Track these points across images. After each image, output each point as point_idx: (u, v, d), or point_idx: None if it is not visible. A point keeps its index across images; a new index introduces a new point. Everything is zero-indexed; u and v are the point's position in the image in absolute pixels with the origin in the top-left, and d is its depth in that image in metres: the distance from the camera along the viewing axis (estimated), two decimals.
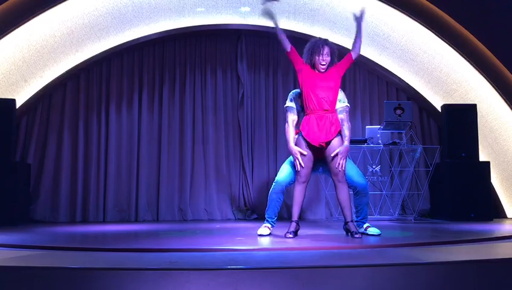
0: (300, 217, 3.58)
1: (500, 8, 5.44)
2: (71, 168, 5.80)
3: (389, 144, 5.67)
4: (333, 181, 3.45)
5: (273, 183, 3.66)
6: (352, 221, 3.40)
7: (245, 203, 6.02)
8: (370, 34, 5.93)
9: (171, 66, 6.14)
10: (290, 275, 1.98)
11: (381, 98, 6.30)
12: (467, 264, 2.17)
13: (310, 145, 3.40)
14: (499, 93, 5.84)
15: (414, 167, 5.75)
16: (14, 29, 5.19)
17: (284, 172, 3.63)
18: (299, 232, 3.51)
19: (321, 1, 5.69)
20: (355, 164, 5.53)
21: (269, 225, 3.63)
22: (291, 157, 3.68)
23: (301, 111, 3.59)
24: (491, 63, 5.77)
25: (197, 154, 6.02)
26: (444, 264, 2.17)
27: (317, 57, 3.43)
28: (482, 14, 5.57)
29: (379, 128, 5.71)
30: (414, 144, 5.70)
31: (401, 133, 5.77)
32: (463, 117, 5.62)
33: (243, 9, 5.87)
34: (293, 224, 3.44)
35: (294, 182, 3.53)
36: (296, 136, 3.52)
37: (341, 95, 3.63)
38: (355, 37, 3.63)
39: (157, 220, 5.83)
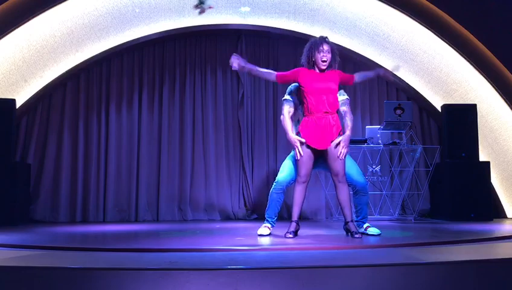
0: (301, 217, 3.57)
1: (500, 8, 5.44)
2: (71, 168, 5.80)
3: (389, 144, 5.67)
4: (333, 181, 3.45)
5: (274, 183, 3.66)
6: (352, 221, 3.40)
7: (245, 203, 6.02)
8: (370, 34, 5.93)
9: (171, 66, 6.14)
10: (290, 275, 1.98)
11: (381, 98, 6.30)
12: (467, 264, 2.17)
13: (310, 146, 3.40)
14: (499, 93, 5.84)
15: (414, 167, 5.75)
16: (14, 29, 5.20)
17: (285, 172, 3.63)
18: (299, 232, 3.51)
19: (321, 1, 5.69)
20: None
21: (269, 225, 3.63)
22: (290, 156, 3.68)
23: (299, 104, 3.58)
24: (491, 63, 5.77)
25: (197, 154, 6.02)
26: (444, 264, 2.17)
27: (317, 54, 3.41)
28: (482, 14, 5.57)
29: (379, 128, 5.70)
30: (414, 144, 5.70)
31: (401, 133, 5.77)
32: (463, 117, 5.62)
33: (243, 9, 5.87)
34: (293, 224, 3.44)
35: (294, 181, 3.53)
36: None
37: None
38: (364, 75, 3.59)
39: (157, 220, 5.83)
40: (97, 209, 5.75)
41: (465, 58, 5.79)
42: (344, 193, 3.38)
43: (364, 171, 5.82)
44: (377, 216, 5.72)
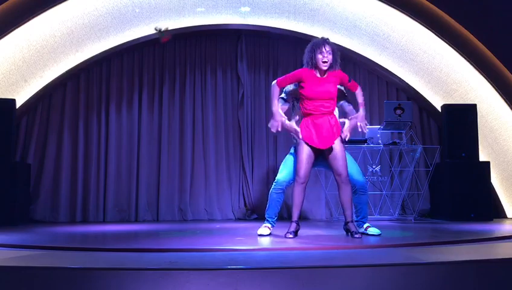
0: (301, 217, 3.57)
1: (500, 8, 5.44)
2: (71, 168, 5.80)
3: (389, 144, 5.67)
4: (336, 181, 3.43)
5: (273, 183, 3.66)
6: (352, 221, 3.40)
7: (245, 203, 6.02)
8: (370, 34, 5.93)
9: (171, 66, 6.14)
10: (290, 275, 1.98)
11: (381, 98, 6.30)
12: (467, 264, 2.17)
13: (310, 145, 3.40)
14: (499, 93, 5.84)
15: (414, 167, 5.75)
16: (14, 29, 5.20)
17: (284, 172, 3.63)
18: (299, 232, 3.51)
19: (321, 1, 5.69)
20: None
21: (269, 225, 3.64)
22: (289, 156, 3.69)
23: (297, 103, 3.60)
24: (491, 63, 5.77)
25: (197, 154, 6.02)
26: (444, 264, 2.17)
27: (319, 55, 3.40)
28: (482, 14, 5.57)
29: (379, 128, 5.70)
30: (414, 144, 5.70)
31: (401, 133, 5.77)
32: (463, 117, 5.62)
33: (243, 9, 5.87)
34: (293, 224, 3.44)
35: (294, 181, 3.53)
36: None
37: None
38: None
39: (157, 220, 5.83)
40: (97, 209, 5.75)
41: (465, 58, 5.79)
42: (347, 193, 3.37)
43: (364, 171, 5.83)
44: (377, 216, 5.72)
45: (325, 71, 3.43)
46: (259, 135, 6.14)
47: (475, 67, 5.81)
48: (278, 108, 3.51)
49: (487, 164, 5.59)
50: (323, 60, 3.39)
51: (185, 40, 6.17)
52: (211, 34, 6.19)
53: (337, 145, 3.37)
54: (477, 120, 5.65)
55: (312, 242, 3.21)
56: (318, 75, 3.43)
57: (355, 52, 6.13)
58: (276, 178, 3.66)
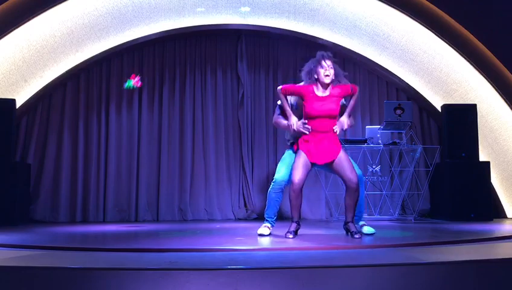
0: (301, 217, 3.57)
1: (500, 8, 5.44)
2: (71, 168, 5.80)
3: (389, 144, 5.67)
4: (346, 185, 3.37)
5: (272, 183, 3.66)
6: (352, 221, 3.40)
7: (245, 203, 6.02)
8: (370, 34, 5.93)
9: (171, 66, 6.14)
10: (290, 275, 1.98)
11: (381, 98, 6.30)
12: (467, 264, 2.17)
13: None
14: (499, 93, 5.84)
15: (414, 167, 5.75)
16: (14, 29, 5.20)
17: (282, 171, 3.63)
18: (299, 232, 3.51)
19: (321, 1, 5.69)
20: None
21: (269, 225, 3.64)
22: (286, 154, 3.68)
23: (294, 109, 3.59)
24: (491, 63, 5.77)
25: (197, 154, 6.02)
26: (444, 264, 2.17)
27: (320, 69, 3.36)
28: (482, 14, 5.57)
29: (379, 128, 5.70)
30: (414, 144, 5.70)
31: (401, 133, 5.77)
32: (463, 117, 5.62)
33: (243, 9, 5.87)
34: (294, 224, 3.44)
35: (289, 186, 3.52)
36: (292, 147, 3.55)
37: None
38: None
39: (157, 220, 5.83)
40: (97, 209, 5.75)
41: (465, 58, 5.79)
42: (354, 198, 3.34)
43: (364, 171, 5.83)
44: (377, 216, 5.72)
45: (327, 86, 3.37)
46: (259, 135, 6.14)
47: (475, 67, 5.81)
48: (291, 119, 3.46)
49: (487, 164, 5.59)
50: (326, 74, 3.34)
51: (185, 40, 6.17)
52: (211, 34, 6.19)
53: (341, 158, 3.34)
54: (477, 120, 5.64)
55: (312, 242, 3.21)
56: (319, 92, 3.37)
57: (355, 52, 6.13)
58: (274, 178, 3.66)
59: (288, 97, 3.62)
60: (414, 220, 5.49)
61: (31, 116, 5.80)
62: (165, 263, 2.19)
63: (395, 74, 6.18)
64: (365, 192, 5.49)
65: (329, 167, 3.40)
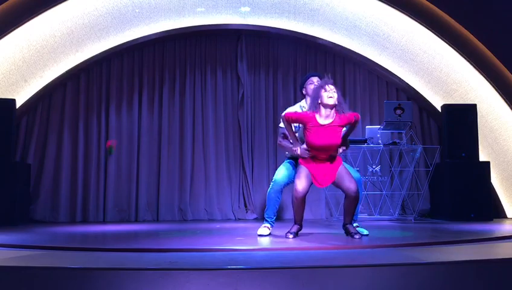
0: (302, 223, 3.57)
1: (500, 8, 5.44)
2: (71, 168, 5.80)
3: (389, 144, 5.67)
4: (344, 193, 3.36)
5: (271, 183, 3.67)
6: (351, 223, 3.41)
7: (245, 203, 6.02)
8: (370, 34, 5.93)
9: (171, 66, 6.14)
10: (290, 275, 1.98)
11: (381, 98, 6.30)
12: (467, 264, 2.17)
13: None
14: (499, 93, 5.84)
15: (414, 167, 5.75)
16: (14, 29, 5.20)
17: (282, 172, 3.64)
18: (301, 232, 3.51)
19: (321, 1, 5.70)
20: (354, 163, 5.56)
21: (268, 225, 3.64)
22: (286, 162, 3.70)
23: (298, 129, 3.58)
24: (491, 63, 5.77)
25: (197, 154, 6.02)
26: (444, 264, 2.17)
27: (323, 93, 3.27)
28: (482, 14, 5.57)
29: (379, 128, 5.70)
30: (414, 144, 5.70)
31: (401, 133, 5.76)
32: (463, 117, 5.62)
33: (243, 9, 5.87)
34: (296, 226, 3.44)
35: (292, 182, 3.51)
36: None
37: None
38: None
39: (157, 220, 5.83)
40: (97, 209, 5.76)
41: (465, 58, 5.79)
42: (352, 203, 3.33)
43: (364, 171, 5.83)
44: (377, 216, 5.72)
45: (331, 111, 3.27)
46: (259, 135, 6.14)
47: (475, 67, 5.81)
48: (297, 147, 3.41)
49: (487, 164, 5.59)
50: (329, 96, 3.24)
51: (185, 40, 6.17)
52: (211, 34, 6.19)
53: (341, 172, 3.33)
54: (477, 120, 5.64)
55: (312, 242, 3.21)
56: (322, 119, 3.27)
57: (355, 52, 6.13)
58: (273, 178, 3.67)
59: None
60: (414, 220, 5.48)
61: (31, 116, 5.80)
62: (165, 263, 2.19)
63: (395, 74, 6.18)
64: (364, 192, 5.51)
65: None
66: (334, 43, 6.08)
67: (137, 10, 5.60)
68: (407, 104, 5.60)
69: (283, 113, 3.49)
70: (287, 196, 5.91)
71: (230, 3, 5.78)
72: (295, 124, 3.50)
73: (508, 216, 5.93)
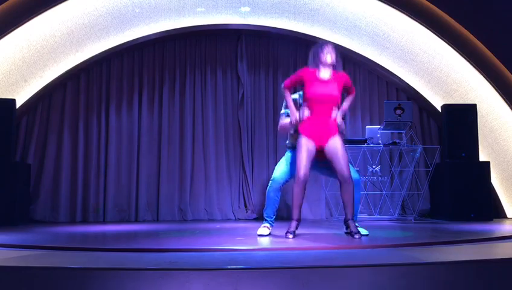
0: (301, 217, 3.57)
1: (500, 8, 5.44)
2: (71, 168, 5.80)
3: (389, 144, 5.67)
4: (339, 180, 3.40)
5: (270, 181, 3.66)
6: (352, 219, 3.39)
7: (245, 203, 6.02)
8: (370, 34, 5.93)
9: (171, 66, 6.14)
10: (290, 275, 1.98)
11: (381, 98, 6.30)
12: (467, 264, 2.17)
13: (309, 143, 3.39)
14: (499, 93, 5.84)
15: (414, 167, 5.75)
16: (14, 29, 5.20)
17: (280, 170, 3.63)
18: (300, 232, 3.51)
19: (321, 1, 5.70)
20: (355, 163, 5.56)
21: (268, 225, 3.63)
22: (286, 155, 3.69)
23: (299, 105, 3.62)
24: (491, 63, 5.77)
25: (197, 155, 6.02)
26: (444, 264, 2.17)
27: (321, 55, 3.41)
28: (482, 14, 5.57)
29: (379, 128, 5.70)
30: (414, 144, 5.70)
31: (401, 133, 5.77)
32: (463, 117, 5.62)
33: (243, 9, 5.87)
34: (294, 223, 3.42)
35: (290, 179, 3.52)
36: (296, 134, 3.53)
37: None
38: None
39: (157, 220, 5.83)
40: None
41: (465, 58, 5.79)
42: (348, 192, 3.34)
43: (364, 171, 5.83)
44: (377, 216, 5.72)
45: (329, 70, 3.42)
46: (259, 135, 6.14)
47: (475, 67, 5.81)
48: (292, 105, 3.51)
49: (487, 164, 5.59)
50: (328, 54, 3.40)
51: (185, 40, 6.17)
52: (211, 34, 6.19)
53: (337, 143, 3.35)
54: (477, 120, 5.64)
55: (312, 242, 3.21)
56: (321, 76, 3.42)
57: (355, 52, 6.13)
58: (272, 176, 3.66)
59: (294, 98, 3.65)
60: (414, 220, 5.49)
61: (31, 116, 5.80)
62: (165, 263, 2.19)
63: (395, 73, 6.19)
64: (362, 192, 5.51)
65: (327, 155, 3.39)
66: (334, 43, 6.06)
67: (137, 10, 5.60)
68: (407, 104, 5.60)
69: (282, 84, 3.58)
70: (287, 196, 5.93)
71: (230, 3, 5.78)
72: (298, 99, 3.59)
73: (508, 216, 5.93)
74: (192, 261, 2.25)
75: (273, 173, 3.67)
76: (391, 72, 6.19)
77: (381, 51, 6.10)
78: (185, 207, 5.89)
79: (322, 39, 6.05)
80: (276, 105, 6.16)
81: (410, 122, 5.57)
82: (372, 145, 5.63)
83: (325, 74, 3.43)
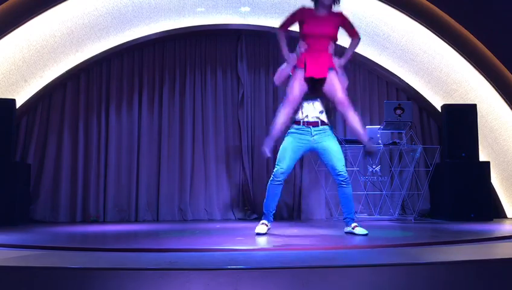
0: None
1: (500, 8, 5.44)
2: (71, 168, 5.80)
3: (389, 144, 5.67)
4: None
5: (272, 175, 3.64)
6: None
7: (245, 203, 6.02)
8: (370, 34, 5.93)
9: (171, 66, 6.14)
10: (290, 275, 1.98)
11: (381, 98, 6.30)
12: (467, 264, 2.17)
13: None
14: (499, 93, 5.84)
15: (414, 167, 5.75)
16: (14, 29, 5.20)
17: (282, 163, 3.61)
18: (300, 232, 3.51)
19: None
20: (354, 163, 5.56)
21: (266, 222, 3.61)
22: (286, 140, 3.68)
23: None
24: (491, 63, 5.77)
25: (197, 154, 6.02)
26: (444, 264, 2.17)
27: None
28: (482, 14, 5.57)
29: (379, 128, 5.71)
30: (414, 144, 5.70)
31: (401, 133, 5.77)
32: (463, 117, 5.62)
33: (243, 9, 5.87)
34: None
35: (293, 166, 3.60)
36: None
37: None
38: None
39: (157, 220, 5.83)
40: (97, 209, 5.75)
41: (465, 58, 5.79)
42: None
43: (364, 171, 5.83)
44: (377, 216, 5.72)
45: (327, 11, 3.47)
46: (259, 134, 6.13)
47: (475, 67, 5.81)
48: (287, 49, 3.62)
49: (487, 164, 5.59)
50: None
51: (185, 40, 6.17)
52: (211, 34, 6.19)
53: (333, 78, 3.41)
54: (477, 120, 5.64)
55: (312, 242, 3.21)
56: (317, 13, 3.48)
57: (355, 52, 6.11)
58: (274, 169, 3.64)
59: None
60: (414, 220, 5.49)
61: (31, 116, 5.80)
62: (165, 263, 2.19)
63: (395, 73, 6.18)
64: (364, 192, 5.51)
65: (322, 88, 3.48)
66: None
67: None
68: (407, 104, 5.60)
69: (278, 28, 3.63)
70: (287, 196, 5.93)
71: (230, 3, 5.78)
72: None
73: (508, 216, 5.93)
74: (192, 261, 2.25)
75: (276, 162, 3.63)
76: (391, 72, 6.19)
77: (381, 51, 6.10)
78: (185, 207, 5.89)
79: None
80: (276, 105, 6.15)
81: (410, 122, 5.57)
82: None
83: (321, 12, 3.49)
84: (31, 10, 5.20)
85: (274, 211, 3.68)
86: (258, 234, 3.52)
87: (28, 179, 5.56)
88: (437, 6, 5.64)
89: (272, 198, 3.63)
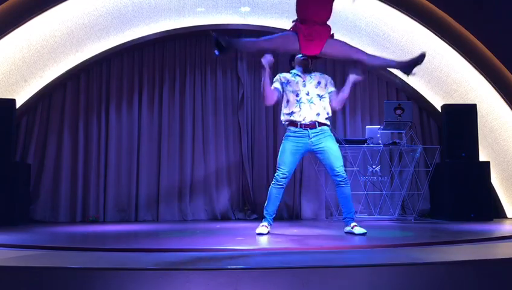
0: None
1: (500, 8, 5.44)
2: (71, 168, 5.80)
3: (389, 144, 5.67)
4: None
5: (274, 179, 3.65)
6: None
7: (245, 203, 6.02)
8: (370, 34, 5.93)
9: (171, 66, 6.14)
10: (290, 275, 1.98)
11: (381, 98, 6.30)
12: (467, 264, 2.17)
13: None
14: (499, 93, 5.84)
15: (414, 167, 5.75)
16: (14, 29, 5.20)
17: (283, 166, 3.62)
18: (300, 232, 3.52)
19: None
20: (354, 163, 5.56)
21: (267, 223, 3.62)
22: (284, 144, 3.69)
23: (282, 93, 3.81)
24: (491, 63, 5.77)
25: (197, 154, 6.02)
26: (444, 264, 2.17)
27: None
28: (482, 14, 5.57)
29: (379, 128, 5.71)
30: (414, 144, 5.70)
31: (401, 133, 5.77)
32: (463, 117, 5.62)
33: (243, 9, 5.87)
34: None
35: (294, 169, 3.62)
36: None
37: (329, 79, 3.82)
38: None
39: (157, 220, 5.83)
40: (97, 209, 5.75)
41: (465, 58, 5.79)
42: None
43: (364, 171, 5.83)
44: (377, 216, 5.72)
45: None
46: (259, 135, 6.14)
47: (475, 67, 5.81)
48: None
49: (487, 164, 5.58)
50: None
51: (185, 40, 6.17)
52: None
53: (333, 41, 3.45)
54: (477, 120, 5.64)
55: (312, 242, 3.21)
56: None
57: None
58: (276, 173, 3.66)
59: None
60: (414, 220, 5.49)
61: (31, 116, 5.80)
62: (165, 263, 2.19)
63: (395, 74, 6.18)
64: (362, 192, 5.51)
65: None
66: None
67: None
68: (407, 104, 5.60)
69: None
70: (287, 196, 5.93)
71: (230, 3, 5.78)
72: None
73: (508, 216, 5.93)
74: (192, 261, 2.25)
75: (276, 171, 3.65)
76: (391, 72, 6.19)
77: (381, 51, 6.08)
78: (185, 207, 5.89)
79: None
80: (276, 105, 6.14)
81: (410, 122, 5.57)
82: (372, 145, 5.63)
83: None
84: (31, 10, 5.21)
85: (274, 215, 3.69)
86: (259, 234, 3.53)
87: (28, 179, 5.56)
88: (437, 6, 5.64)
89: (273, 201, 3.64)
